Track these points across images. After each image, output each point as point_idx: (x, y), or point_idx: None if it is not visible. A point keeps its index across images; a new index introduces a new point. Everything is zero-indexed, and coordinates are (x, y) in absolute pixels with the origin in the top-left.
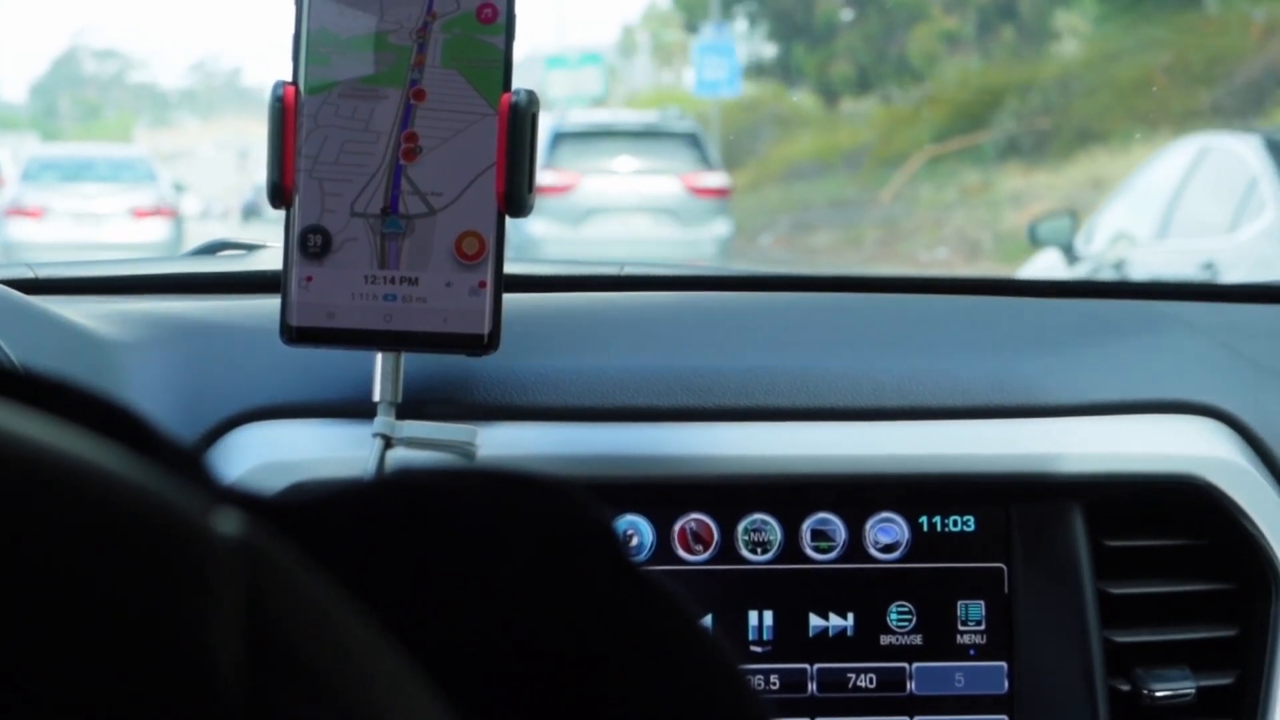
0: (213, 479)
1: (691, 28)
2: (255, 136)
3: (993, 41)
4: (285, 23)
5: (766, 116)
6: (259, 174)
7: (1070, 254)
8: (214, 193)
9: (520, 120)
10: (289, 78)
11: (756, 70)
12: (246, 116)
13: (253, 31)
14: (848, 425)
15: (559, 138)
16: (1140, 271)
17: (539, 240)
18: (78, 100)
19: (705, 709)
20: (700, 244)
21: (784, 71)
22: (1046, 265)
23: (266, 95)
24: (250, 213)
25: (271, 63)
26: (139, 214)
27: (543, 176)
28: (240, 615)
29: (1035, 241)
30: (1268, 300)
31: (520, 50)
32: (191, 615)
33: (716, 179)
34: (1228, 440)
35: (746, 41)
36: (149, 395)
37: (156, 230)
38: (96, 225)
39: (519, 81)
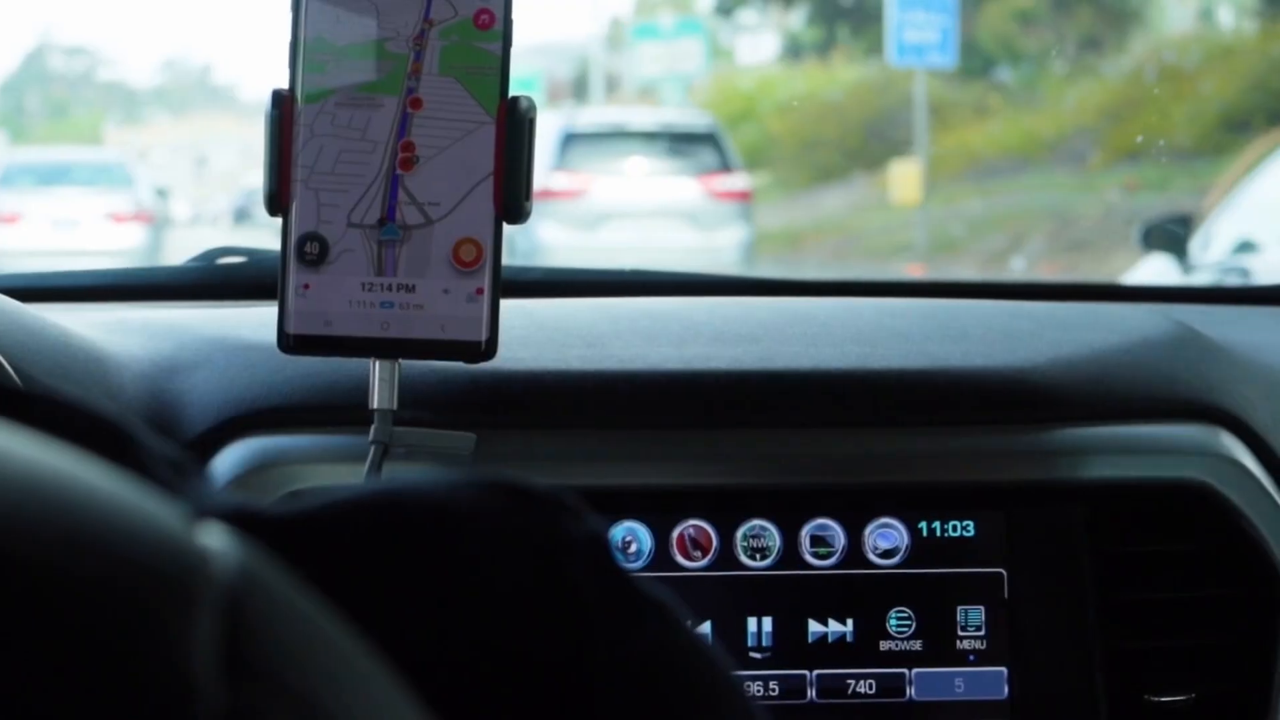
0: (202, 490)
1: (724, 10)
2: (220, 139)
3: (1068, 22)
4: (256, 19)
5: (900, 102)
6: (218, 181)
7: (1185, 260)
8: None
9: (518, 127)
10: (285, 85)
11: (794, 53)
12: (217, 115)
13: (222, 28)
14: (847, 430)
15: (570, 138)
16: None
17: (548, 247)
18: (46, 98)
19: (700, 714)
20: (721, 250)
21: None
22: (1157, 271)
23: (237, 94)
24: (241, 216)
25: (242, 60)
26: (117, 219)
27: (553, 179)
28: (220, 630)
29: (1147, 245)
30: (1273, 302)
31: (604, 21)
32: (170, 630)
33: (738, 181)
34: (1232, 445)
35: (779, 23)
36: (145, 404)
37: (135, 236)
38: (72, 230)
39: (603, 57)
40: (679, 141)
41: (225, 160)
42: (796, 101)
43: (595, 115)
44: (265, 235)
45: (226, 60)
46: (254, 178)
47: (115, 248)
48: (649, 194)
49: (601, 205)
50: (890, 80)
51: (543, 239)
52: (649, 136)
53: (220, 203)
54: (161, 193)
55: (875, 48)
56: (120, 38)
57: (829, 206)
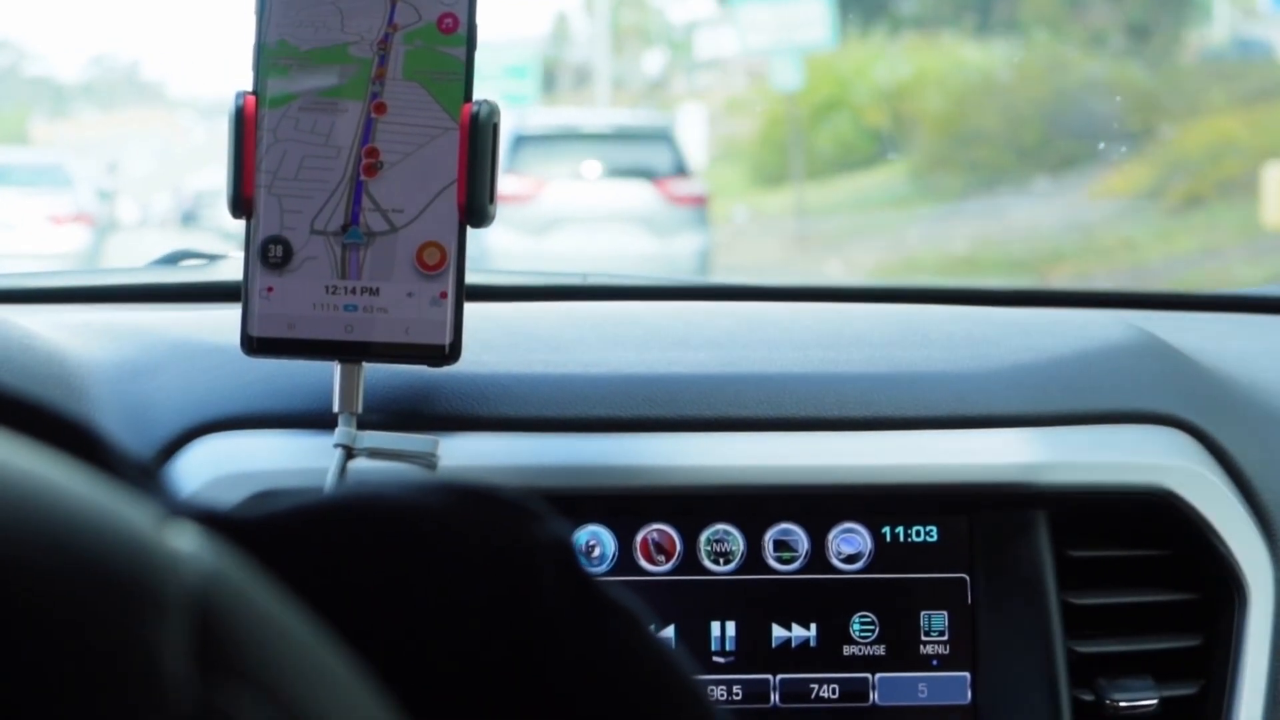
0: (169, 493)
1: None
2: (146, 137)
3: (1119, 7)
4: (185, 14)
5: (1079, 85)
6: (133, 187)
7: None
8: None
9: (481, 132)
10: (247, 88)
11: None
12: (146, 110)
13: (151, 24)
14: (810, 435)
15: (520, 141)
16: None
17: (497, 253)
18: None
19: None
20: (677, 258)
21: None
22: None
23: (166, 90)
24: (189, 219)
25: (171, 56)
26: (56, 221)
27: (502, 183)
28: (191, 630)
29: None
30: (1234, 309)
31: (552, 15)
32: (141, 631)
33: (694, 185)
34: (1192, 451)
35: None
36: (108, 406)
37: (74, 239)
38: (9, 233)
39: (713, 20)
40: (633, 144)
41: (142, 164)
42: (903, 87)
43: (546, 116)
44: (213, 239)
45: (156, 56)
46: (191, 181)
47: (54, 251)
48: (602, 198)
49: (553, 210)
50: (1056, 61)
51: (491, 245)
52: (602, 139)
53: (164, 204)
54: (105, 194)
55: (898, 28)
56: (47, 32)
57: (1024, 220)
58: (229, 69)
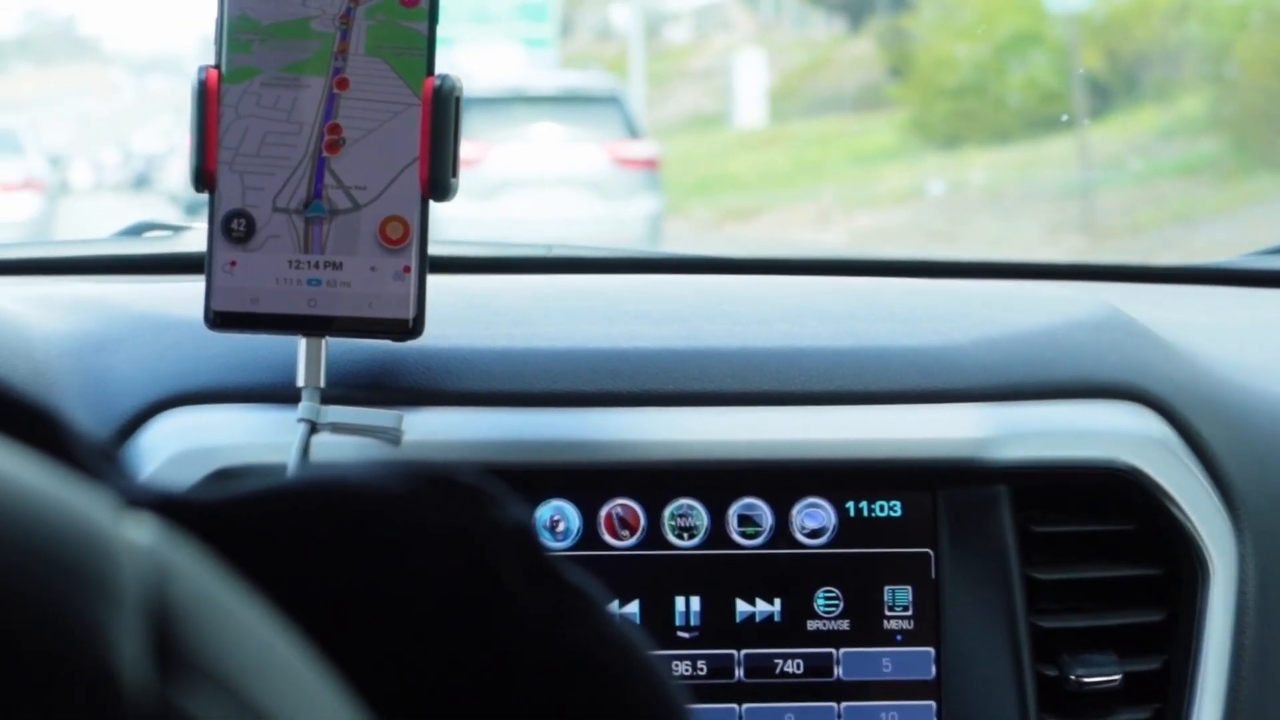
0: (127, 478)
1: None
2: (70, 96)
3: None
4: None
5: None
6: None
7: None
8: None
9: (444, 106)
10: (210, 62)
11: None
12: (82, 66)
13: None
14: (775, 410)
15: (466, 104)
16: None
17: (443, 218)
18: None
19: (622, 704)
20: (627, 222)
21: None
22: None
23: (102, 45)
24: (141, 183)
25: (108, 10)
26: (5, 188)
27: None
28: (146, 622)
29: None
30: (1201, 282)
31: None
32: (94, 626)
33: (645, 148)
34: (1156, 425)
35: None
36: (70, 380)
37: (26, 206)
38: None
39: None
40: (582, 106)
41: (67, 128)
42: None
43: (493, 80)
44: (165, 203)
45: (91, 10)
46: (139, 143)
47: (4, 219)
48: (550, 162)
49: (499, 174)
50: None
51: (438, 210)
52: (549, 101)
53: (113, 164)
54: (55, 160)
55: None
56: None
57: None
58: (167, 23)
